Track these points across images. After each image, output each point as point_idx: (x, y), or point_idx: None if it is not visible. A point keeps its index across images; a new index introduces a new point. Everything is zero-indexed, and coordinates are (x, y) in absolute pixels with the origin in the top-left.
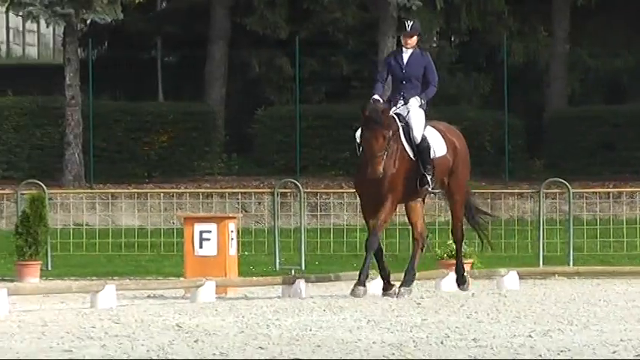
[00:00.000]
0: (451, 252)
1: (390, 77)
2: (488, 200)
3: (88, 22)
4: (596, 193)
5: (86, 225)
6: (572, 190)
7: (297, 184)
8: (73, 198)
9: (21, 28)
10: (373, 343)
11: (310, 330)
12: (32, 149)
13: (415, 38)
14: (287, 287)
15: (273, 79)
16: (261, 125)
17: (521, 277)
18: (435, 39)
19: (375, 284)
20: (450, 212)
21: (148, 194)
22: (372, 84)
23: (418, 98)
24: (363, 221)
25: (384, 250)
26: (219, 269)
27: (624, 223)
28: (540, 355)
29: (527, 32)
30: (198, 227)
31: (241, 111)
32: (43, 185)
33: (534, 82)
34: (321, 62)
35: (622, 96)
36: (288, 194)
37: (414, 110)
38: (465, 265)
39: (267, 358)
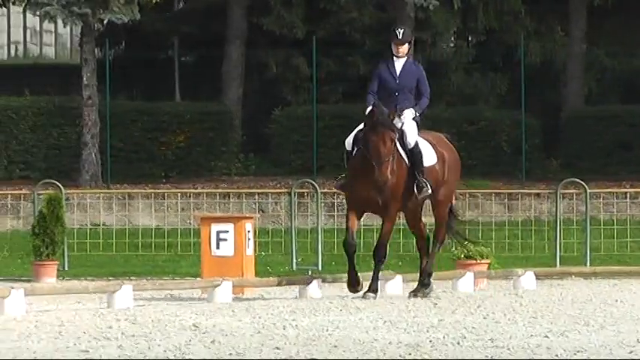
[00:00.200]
0: (468, 252)
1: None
2: (505, 200)
3: (105, 22)
4: (613, 193)
5: (103, 225)
6: (589, 191)
7: (314, 184)
8: (90, 198)
9: (38, 28)
10: (389, 343)
11: (327, 330)
12: (49, 149)
13: (407, 46)
14: (303, 287)
15: (290, 79)
16: (278, 125)
17: (538, 277)
18: (452, 39)
19: (391, 285)
20: (434, 217)
21: (165, 194)
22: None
23: (412, 110)
24: (379, 222)
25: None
26: (236, 269)
27: None
28: (557, 356)
29: (544, 32)
30: (215, 227)
31: (258, 111)
32: (60, 185)
33: (551, 81)
34: (338, 62)
35: (639, 96)
36: (305, 194)
37: (407, 121)
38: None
39: (284, 358)
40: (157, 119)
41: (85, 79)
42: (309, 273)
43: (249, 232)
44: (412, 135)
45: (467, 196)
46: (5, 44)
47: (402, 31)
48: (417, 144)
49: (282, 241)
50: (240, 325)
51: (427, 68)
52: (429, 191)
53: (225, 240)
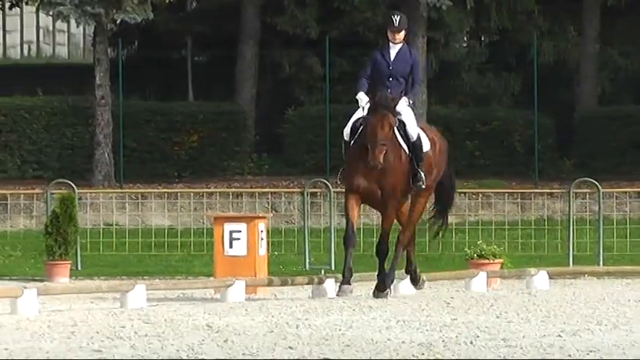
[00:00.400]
0: (481, 252)
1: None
2: (518, 200)
3: (118, 21)
4: (626, 192)
5: (116, 225)
6: (602, 190)
7: (327, 183)
8: (103, 198)
9: (51, 28)
10: (402, 342)
11: (340, 330)
12: (62, 149)
13: (403, 33)
14: (316, 287)
15: (304, 78)
16: (291, 125)
17: (550, 276)
18: (465, 39)
19: (404, 285)
20: (411, 204)
21: (178, 194)
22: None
23: (406, 98)
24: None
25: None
26: (249, 269)
27: None
28: (570, 355)
29: (557, 31)
30: (228, 227)
31: (271, 111)
32: (73, 185)
33: (564, 81)
34: (352, 62)
35: None
36: (318, 194)
37: (404, 109)
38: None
39: (297, 357)
40: (170, 119)
41: (97, 78)
42: (322, 273)
43: (262, 231)
44: (413, 126)
45: (480, 195)
46: (18, 44)
47: (398, 18)
48: (419, 136)
49: (295, 241)
50: (253, 324)
51: (440, 68)
52: (423, 187)
53: (238, 239)
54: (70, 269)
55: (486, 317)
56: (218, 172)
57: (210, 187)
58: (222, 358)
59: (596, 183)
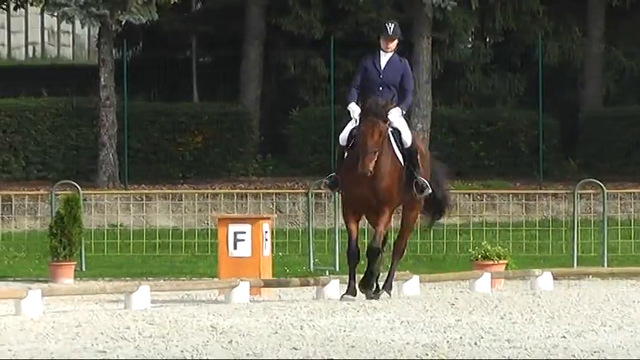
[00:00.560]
0: (485, 253)
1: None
2: (523, 201)
3: (123, 22)
4: (631, 193)
5: (120, 226)
6: (606, 191)
7: None
8: (108, 199)
9: (56, 29)
10: (407, 343)
11: (344, 331)
12: (67, 150)
13: (396, 42)
14: (320, 288)
15: (308, 79)
16: (295, 126)
17: (555, 277)
18: (469, 39)
19: (408, 286)
20: (406, 211)
21: (183, 195)
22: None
23: (399, 108)
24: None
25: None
26: (254, 270)
27: None
28: (574, 356)
29: (562, 32)
30: (233, 228)
31: (276, 112)
32: (77, 186)
33: (569, 82)
34: (356, 63)
35: None
36: (323, 195)
37: (396, 119)
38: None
39: (301, 358)
40: (175, 120)
41: (102, 79)
42: (327, 274)
43: (266, 232)
44: (407, 133)
45: (484, 196)
46: (23, 45)
47: (392, 27)
48: (413, 143)
49: (300, 242)
50: (258, 325)
51: (445, 69)
52: (430, 190)
53: (243, 241)
54: (75, 270)
55: (491, 318)
56: (222, 172)
57: (214, 188)
58: (227, 359)
59: (601, 184)
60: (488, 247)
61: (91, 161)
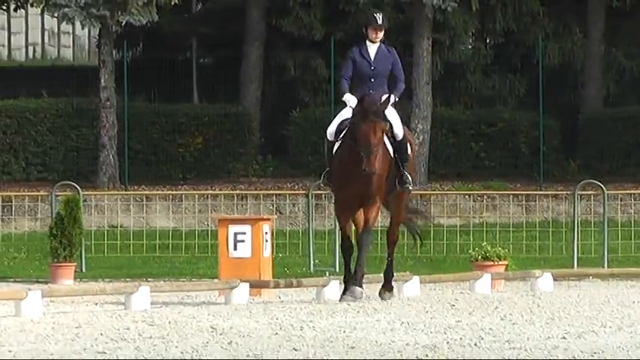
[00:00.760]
0: (485, 254)
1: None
2: (523, 202)
3: (123, 23)
4: (631, 194)
5: (120, 227)
6: (606, 192)
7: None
8: (108, 200)
9: (56, 30)
10: (407, 344)
11: (344, 331)
12: (67, 151)
13: (383, 32)
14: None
15: (308, 80)
16: (295, 127)
17: (555, 278)
18: (470, 40)
19: (408, 287)
20: (395, 204)
21: (183, 196)
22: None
23: (392, 97)
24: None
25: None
26: (254, 271)
27: None
28: (574, 357)
29: (562, 33)
30: (233, 229)
31: (276, 113)
32: (77, 187)
33: (570, 83)
34: None
35: None
36: (323, 196)
37: (391, 112)
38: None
39: (301, 359)
40: (175, 121)
41: (102, 80)
42: (327, 275)
43: (266, 233)
44: (399, 125)
45: (485, 197)
46: (23, 46)
47: (381, 16)
48: (404, 136)
49: (300, 243)
50: (258, 326)
51: (445, 70)
52: (410, 187)
53: (243, 241)
54: (75, 271)
55: (491, 319)
56: (223, 174)
57: (214, 189)
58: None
59: (601, 185)
60: (489, 248)
61: (91, 162)
